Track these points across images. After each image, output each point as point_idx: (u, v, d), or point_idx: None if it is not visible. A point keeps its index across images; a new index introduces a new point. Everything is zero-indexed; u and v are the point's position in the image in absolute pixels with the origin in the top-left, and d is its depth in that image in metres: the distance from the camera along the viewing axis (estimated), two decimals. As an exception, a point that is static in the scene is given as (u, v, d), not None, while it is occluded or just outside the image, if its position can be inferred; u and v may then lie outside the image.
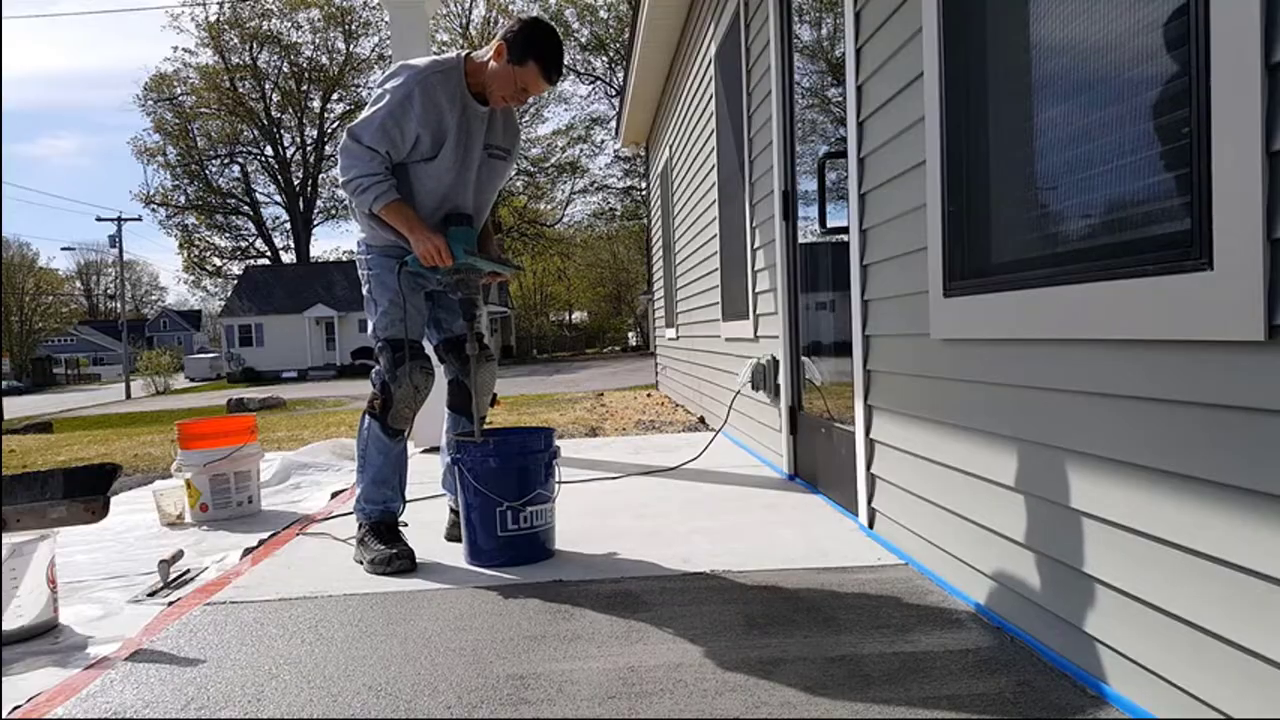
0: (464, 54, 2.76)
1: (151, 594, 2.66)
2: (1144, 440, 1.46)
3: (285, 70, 46.45)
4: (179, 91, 46.42)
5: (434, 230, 2.67)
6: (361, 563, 2.75)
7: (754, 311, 4.47)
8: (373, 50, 45.63)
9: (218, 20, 45.02)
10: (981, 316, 1.98)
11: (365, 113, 2.66)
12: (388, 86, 2.65)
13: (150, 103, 46.42)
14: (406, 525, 2.90)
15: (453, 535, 3.03)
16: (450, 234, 2.69)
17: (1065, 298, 1.63)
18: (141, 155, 47.71)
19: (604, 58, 41.41)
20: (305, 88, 46.99)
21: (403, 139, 2.64)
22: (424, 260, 2.63)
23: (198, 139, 46.75)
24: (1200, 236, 1.29)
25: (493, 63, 2.66)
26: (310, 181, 48.71)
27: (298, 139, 48.64)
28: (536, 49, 2.62)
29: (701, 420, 6.91)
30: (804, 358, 3.78)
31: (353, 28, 45.83)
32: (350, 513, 3.16)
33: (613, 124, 27.56)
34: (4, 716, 1.79)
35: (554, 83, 2.70)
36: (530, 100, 2.87)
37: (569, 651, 1.95)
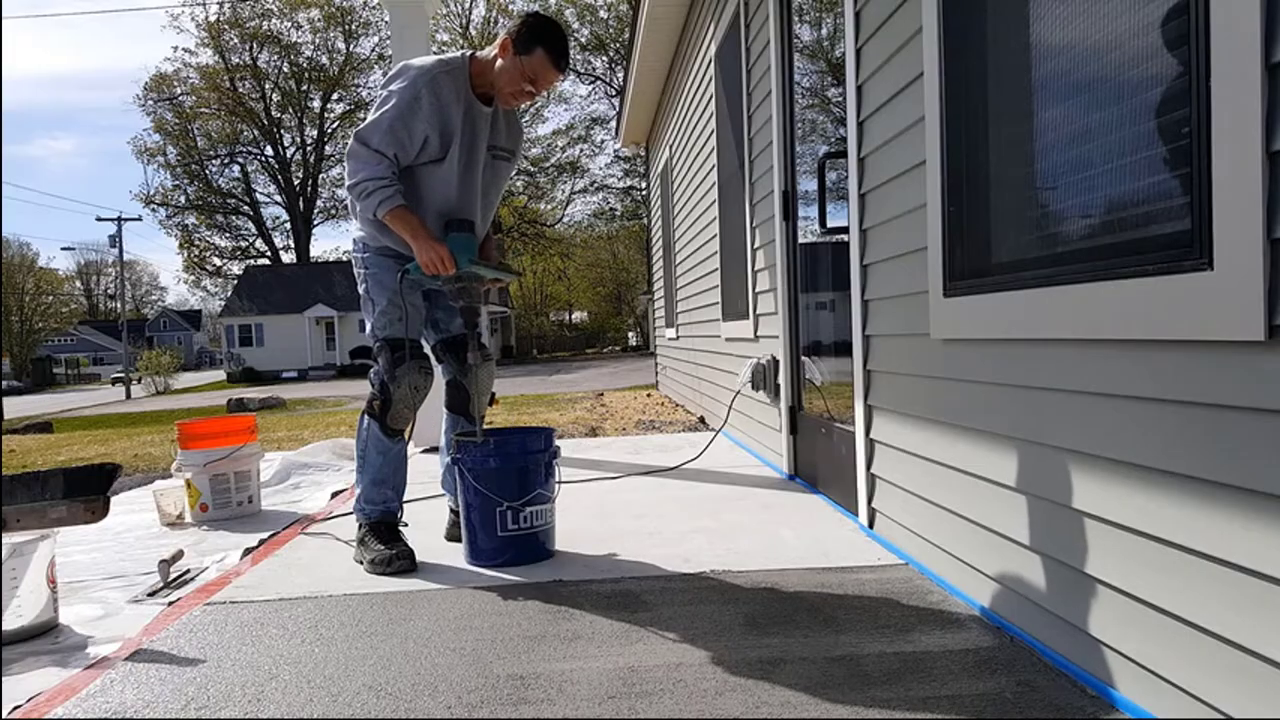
0: (469, 54, 2.75)
1: (151, 594, 2.66)
2: (1144, 440, 1.46)
3: (285, 70, 46.44)
4: (179, 91, 46.44)
5: (437, 238, 2.65)
6: (361, 563, 2.75)
7: (754, 311, 4.47)
8: (373, 50, 45.67)
9: (218, 20, 45.03)
10: (982, 316, 1.98)
11: (371, 115, 2.63)
12: (393, 88, 2.63)
13: (150, 103, 46.45)
14: (406, 525, 2.90)
15: (453, 535, 3.03)
16: (451, 240, 2.67)
17: (1065, 298, 1.63)
18: (141, 155, 47.77)
19: (604, 58, 41.41)
20: (305, 88, 46.98)
21: (411, 141, 2.62)
22: (426, 269, 2.61)
23: (198, 139, 46.75)
24: (1200, 236, 1.29)
25: (499, 60, 2.64)
26: (310, 181, 48.70)
27: (298, 139, 48.65)
28: (542, 36, 2.61)
29: (701, 420, 6.91)
30: (804, 358, 3.78)
31: (353, 28, 45.85)
32: (350, 513, 3.16)
33: (613, 124, 27.56)
34: (4, 716, 1.79)
35: (562, 70, 2.67)
36: (534, 99, 2.84)
37: (569, 651, 1.95)
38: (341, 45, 46.33)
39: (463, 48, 33.72)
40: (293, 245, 49.59)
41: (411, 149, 2.64)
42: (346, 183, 2.66)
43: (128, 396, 31.95)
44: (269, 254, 49.87)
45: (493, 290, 2.91)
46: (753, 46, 4.33)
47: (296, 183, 48.75)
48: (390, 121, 2.59)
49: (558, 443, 2.84)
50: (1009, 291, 1.85)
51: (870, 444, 2.81)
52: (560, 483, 2.84)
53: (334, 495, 4.18)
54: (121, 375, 46.46)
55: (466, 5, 42.04)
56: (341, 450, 5.42)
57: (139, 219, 66.24)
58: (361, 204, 2.63)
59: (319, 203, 49.41)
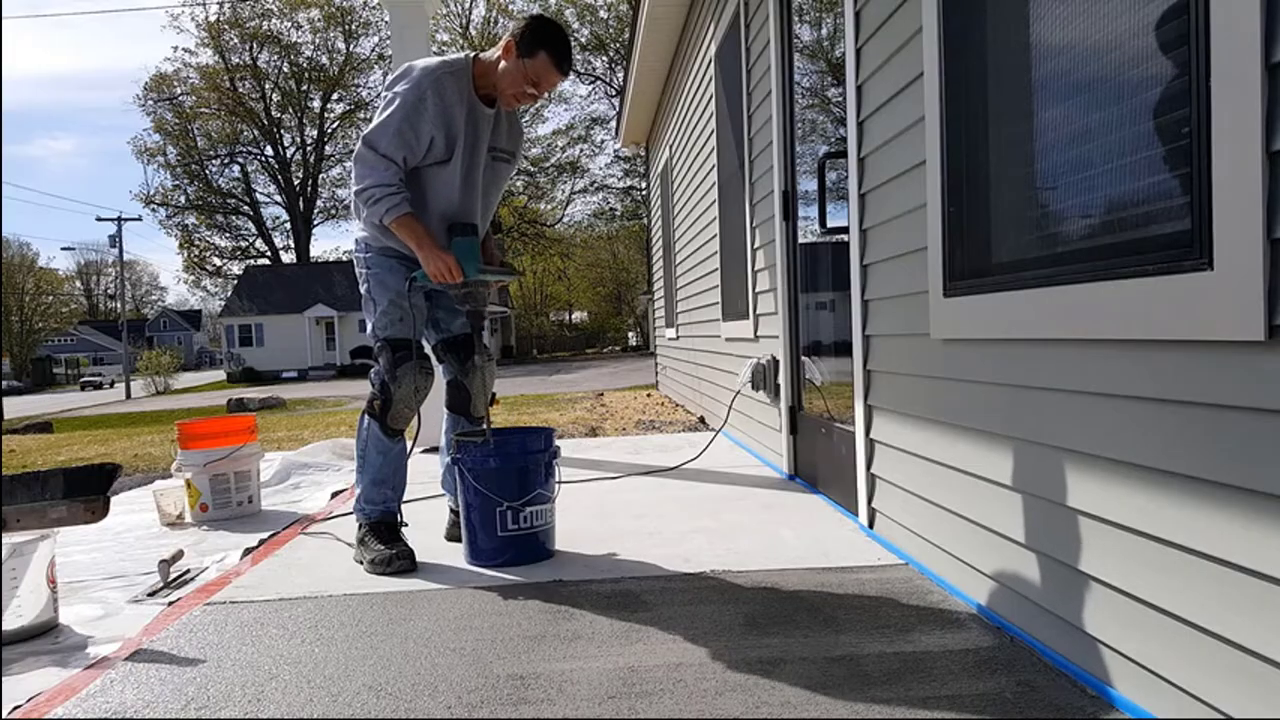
0: (471, 55, 2.75)
1: (151, 594, 2.66)
2: (1144, 440, 1.46)
3: (285, 70, 46.46)
4: (179, 91, 46.46)
5: (442, 247, 2.65)
6: (361, 563, 2.75)
7: (754, 311, 4.47)
8: (373, 50, 45.70)
9: (218, 20, 45.05)
10: (981, 316, 1.98)
11: (378, 118, 2.62)
12: (397, 90, 2.62)
13: (150, 103, 46.47)
14: (406, 525, 2.90)
15: (453, 535, 3.03)
16: (456, 247, 2.67)
17: (1065, 298, 1.63)
18: (141, 155, 47.84)
19: (604, 58, 41.41)
20: (305, 88, 46.99)
21: (418, 142, 2.62)
22: (434, 279, 2.62)
23: (198, 139, 46.78)
24: (1200, 236, 1.29)
25: (503, 62, 2.65)
26: (310, 181, 48.71)
27: (298, 139, 48.66)
28: (545, 39, 2.61)
29: (701, 420, 6.91)
30: (804, 358, 3.79)
31: (353, 28, 45.87)
32: (350, 513, 3.16)
33: (613, 124, 27.56)
34: (4, 716, 1.79)
35: (565, 73, 2.67)
36: (535, 101, 2.84)
37: (569, 651, 1.95)
38: (341, 45, 46.38)
39: (463, 48, 33.77)
40: (293, 245, 49.62)
41: (420, 151, 2.64)
42: (353, 187, 2.65)
43: (128, 396, 31.96)
44: (269, 254, 49.88)
45: (493, 290, 2.91)
46: (753, 46, 4.33)
47: (296, 183, 48.76)
48: (398, 124, 2.58)
49: (558, 443, 2.84)
50: (1009, 291, 1.85)
51: (870, 444, 2.81)
52: (560, 483, 2.83)
53: (334, 495, 4.18)
54: (92, 379, 46.44)
55: (466, 5, 42.08)
56: (341, 450, 5.42)
57: (139, 219, 66.41)
58: (368, 210, 2.63)
59: (319, 203, 49.46)
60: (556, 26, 2.67)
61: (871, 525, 2.84)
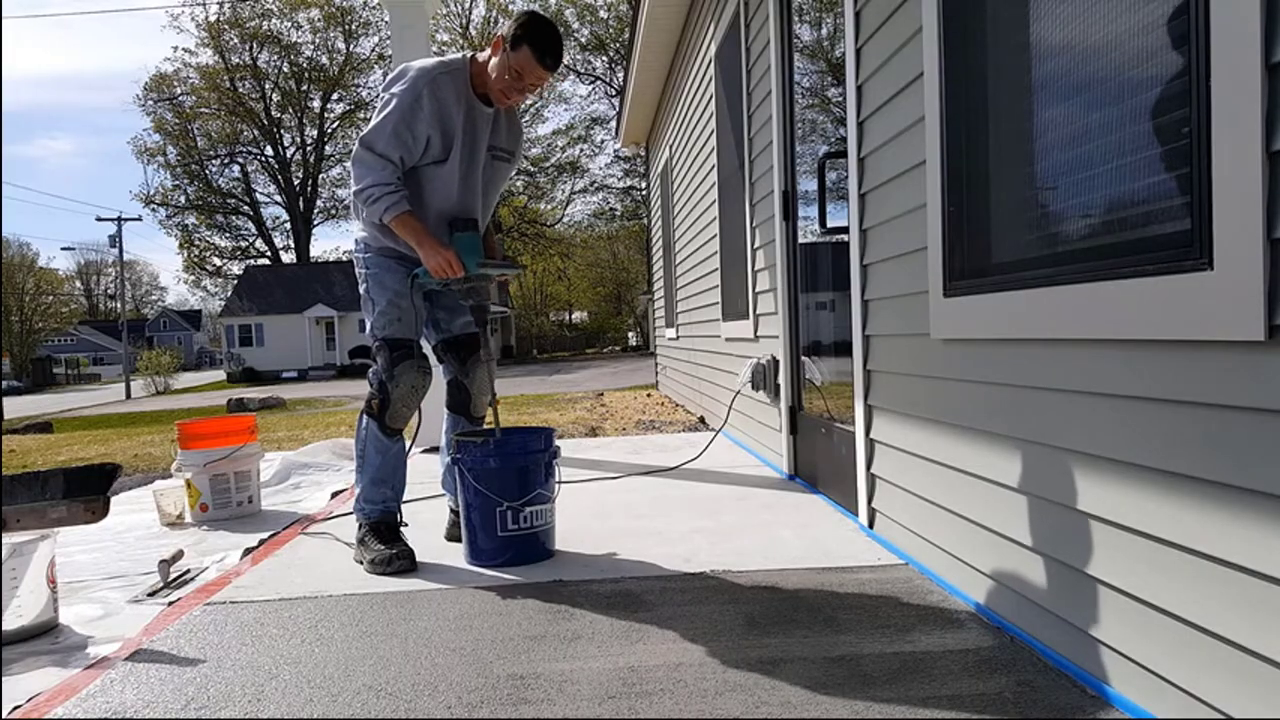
0: (469, 55, 2.76)
1: (151, 594, 2.66)
2: (1144, 440, 1.46)
3: (285, 70, 46.42)
4: (179, 91, 46.43)
5: (443, 242, 2.66)
6: (361, 563, 2.75)
7: (754, 311, 4.47)
8: (373, 50, 45.66)
9: (218, 20, 45.03)
10: (981, 316, 1.98)
11: (374, 119, 2.64)
12: (394, 90, 2.64)
13: (150, 103, 46.44)
14: (406, 525, 2.90)
15: (453, 535, 3.03)
16: (457, 242, 2.68)
17: (1065, 298, 1.63)
18: (141, 155, 47.75)
19: (604, 58, 41.39)
20: (305, 88, 46.96)
21: (415, 142, 2.63)
22: (435, 273, 2.62)
23: (198, 139, 46.73)
24: (1200, 236, 1.29)
25: (493, 58, 2.66)
26: (310, 181, 48.67)
27: (298, 139, 48.62)
28: (530, 34, 2.60)
29: (701, 420, 6.91)
30: (804, 358, 3.79)
31: (353, 28, 45.83)
32: (350, 513, 3.16)
33: (613, 124, 27.55)
34: (4, 716, 1.79)
35: (548, 68, 2.63)
36: (532, 99, 2.84)
37: (569, 651, 1.95)
38: (341, 45, 46.33)
39: (463, 48, 33.75)
40: (293, 245, 49.57)
41: (416, 151, 2.65)
42: (352, 188, 2.67)
43: (128, 396, 31.96)
44: (269, 254, 49.83)
45: (494, 290, 2.91)
46: (753, 46, 4.33)
47: (296, 183, 48.72)
48: (394, 125, 2.60)
49: (558, 443, 2.84)
50: (1009, 291, 1.85)
51: (870, 444, 2.81)
52: (560, 483, 2.83)
53: (334, 495, 4.18)
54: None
55: (466, 5, 42.05)
56: (341, 450, 5.42)
57: (139, 219, 66.43)
58: (367, 210, 2.64)
59: (319, 203, 49.40)
60: (545, 22, 2.66)
61: (871, 525, 2.84)
